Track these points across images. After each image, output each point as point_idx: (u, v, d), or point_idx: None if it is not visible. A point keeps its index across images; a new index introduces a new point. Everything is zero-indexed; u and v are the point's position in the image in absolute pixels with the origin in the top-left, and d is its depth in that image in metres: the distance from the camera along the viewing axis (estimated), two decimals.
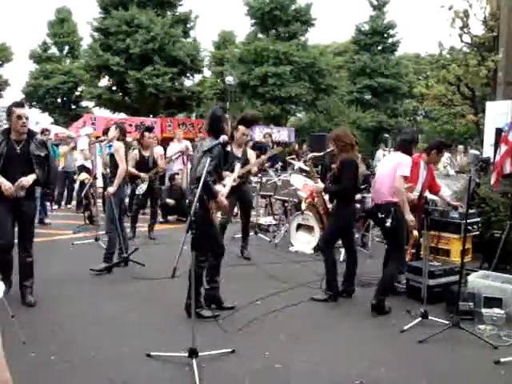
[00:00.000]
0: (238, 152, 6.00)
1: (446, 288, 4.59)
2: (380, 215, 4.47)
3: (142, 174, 7.15)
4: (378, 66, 28.20)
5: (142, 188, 7.19)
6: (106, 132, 9.20)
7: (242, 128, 5.85)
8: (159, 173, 7.51)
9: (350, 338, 3.87)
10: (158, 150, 7.63)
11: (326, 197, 5.51)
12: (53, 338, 3.64)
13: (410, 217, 4.41)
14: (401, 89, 28.92)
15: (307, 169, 8.91)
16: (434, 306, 4.36)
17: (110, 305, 4.43)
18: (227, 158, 4.33)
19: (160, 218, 9.13)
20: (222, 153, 4.01)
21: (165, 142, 12.43)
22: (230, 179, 4.25)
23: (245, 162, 5.95)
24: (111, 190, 5.44)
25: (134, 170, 7.18)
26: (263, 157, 6.42)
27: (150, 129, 7.49)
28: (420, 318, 4.04)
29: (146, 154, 7.29)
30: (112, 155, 5.69)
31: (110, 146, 9.08)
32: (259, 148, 7.51)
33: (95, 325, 3.93)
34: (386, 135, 15.85)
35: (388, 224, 4.37)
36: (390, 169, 4.53)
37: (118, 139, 5.74)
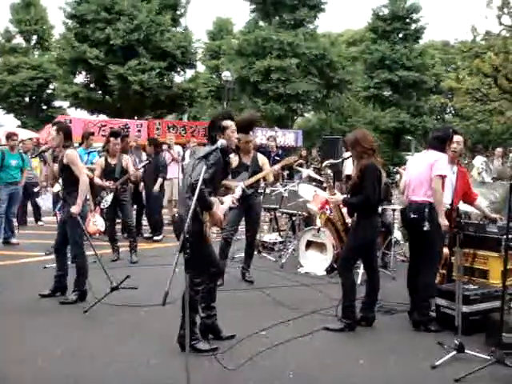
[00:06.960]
0: (247, 159, 6.03)
1: (485, 316, 4.55)
2: (412, 215, 4.69)
3: (107, 183, 7.19)
4: (399, 57, 28.40)
5: (107, 201, 7.21)
6: (86, 137, 9.23)
7: (241, 136, 5.85)
8: (128, 183, 7.55)
9: (371, 376, 3.82)
10: (127, 157, 7.58)
11: (345, 210, 5.50)
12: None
13: (444, 221, 4.63)
14: (426, 83, 29.11)
15: (317, 177, 8.98)
16: (470, 338, 4.31)
17: (88, 337, 4.39)
18: (227, 169, 4.34)
19: (147, 234, 9.16)
20: (221, 161, 4.02)
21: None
22: (229, 197, 4.27)
23: (256, 170, 5.98)
24: (75, 209, 5.22)
25: (100, 181, 7.21)
26: (276, 166, 6.43)
27: (116, 134, 7.48)
28: (454, 352, 4.00)
29: (113, 161, 7.29)
30: (65, 167, 5.34)
31: (90, 153, 9.12)
32: (263, 153, 7.54)
33: (69, 362, 3.88)
34: (409, 137, 15.87)
35: (426, 227, 4.57)
36: (427, 169, 4.74)
37: (64, 146, 5.38)
